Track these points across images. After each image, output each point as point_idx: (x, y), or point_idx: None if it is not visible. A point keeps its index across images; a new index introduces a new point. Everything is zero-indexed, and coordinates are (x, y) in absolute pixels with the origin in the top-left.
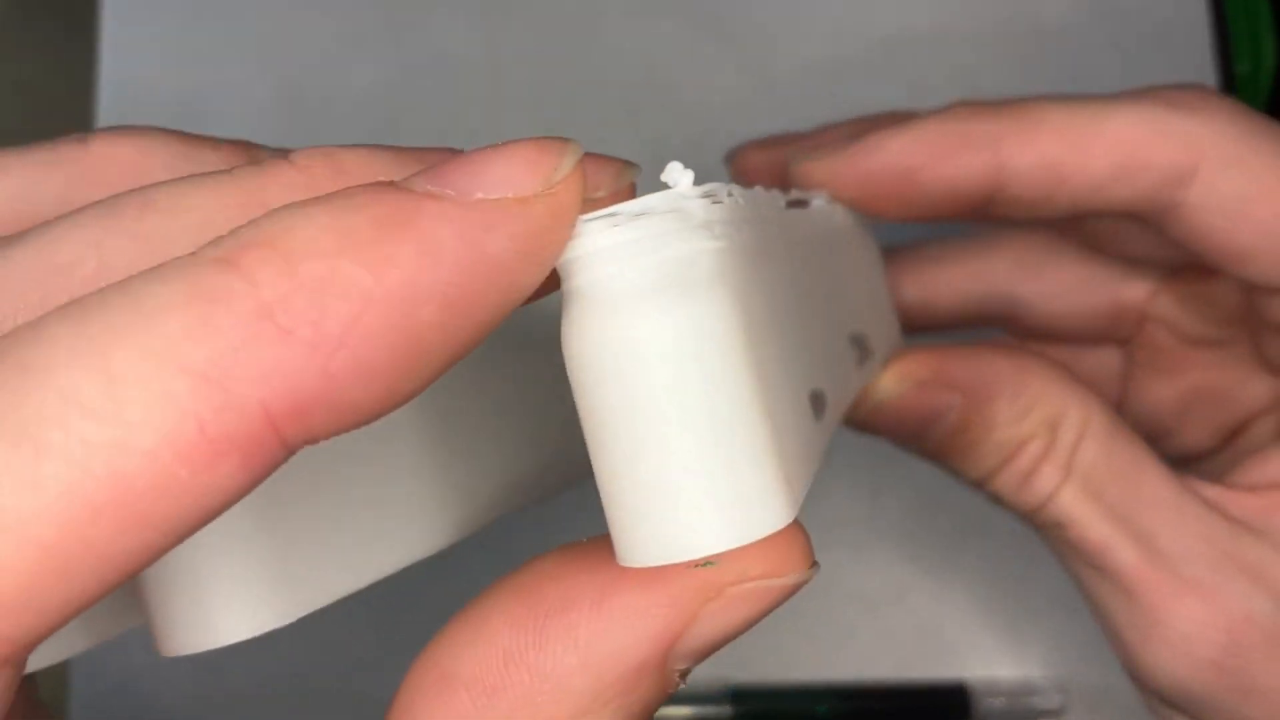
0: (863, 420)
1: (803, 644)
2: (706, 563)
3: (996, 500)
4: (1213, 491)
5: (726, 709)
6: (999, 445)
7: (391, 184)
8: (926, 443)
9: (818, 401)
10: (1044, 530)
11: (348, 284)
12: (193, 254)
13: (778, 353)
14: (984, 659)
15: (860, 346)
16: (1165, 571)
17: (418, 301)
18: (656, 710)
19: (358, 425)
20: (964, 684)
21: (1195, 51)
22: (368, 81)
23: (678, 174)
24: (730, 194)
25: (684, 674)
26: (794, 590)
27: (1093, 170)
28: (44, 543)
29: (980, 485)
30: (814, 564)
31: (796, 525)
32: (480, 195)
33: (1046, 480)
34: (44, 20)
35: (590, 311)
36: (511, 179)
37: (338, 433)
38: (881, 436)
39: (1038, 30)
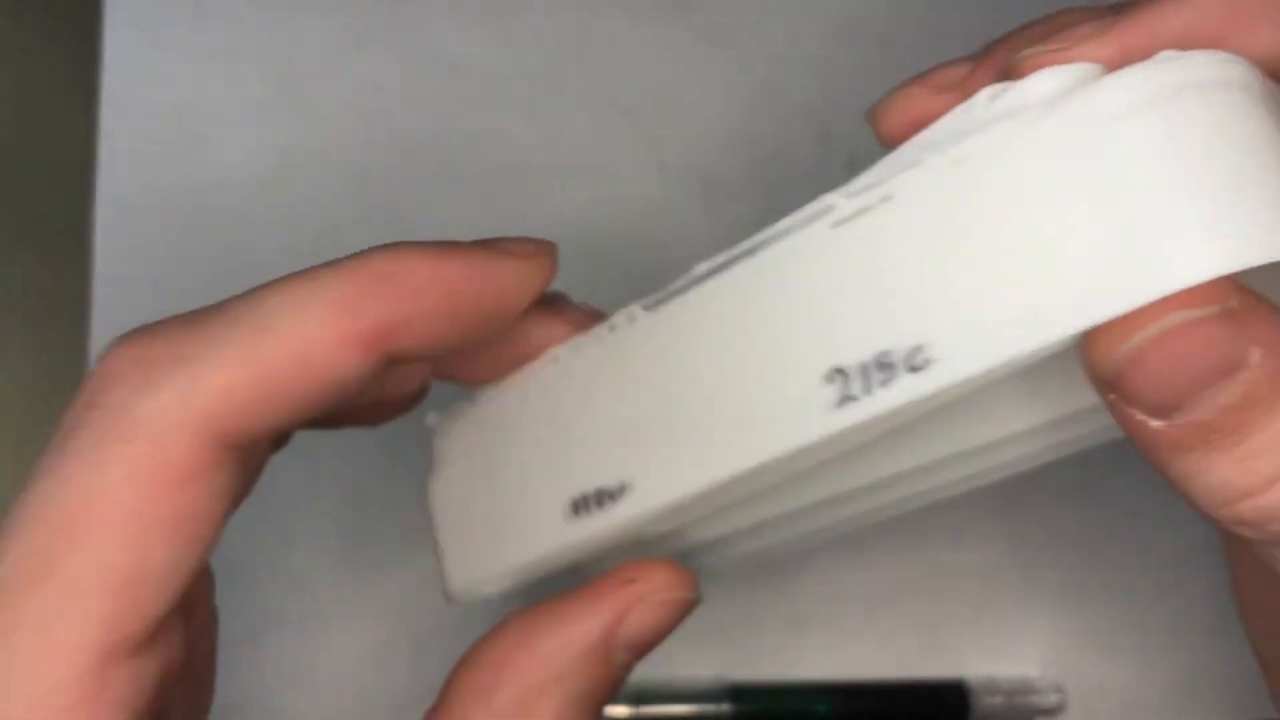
0: (1103, 382)
1: (802, 642)
2: (630, 580)
3: (1246, 530)
4: None
5: (726, 708)
6: None
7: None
8: (1181, 416)
9: (583, 502)
10: None
11: (422, 269)
12: None
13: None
14: (982, 657)
15: (857, 374)
16: None
17: (460, 291)
18: (607, 695)
19: (419, 353)
20: (963, 682)
21: None
22: (369, 84)
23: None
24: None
25: (625, 667)
26: (688, 605)
27: None
28: (264, 364)
29: (1233, 502)
30: (698, 593)
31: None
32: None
33: None
34: (46, 22)
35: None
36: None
37: (405, 355)
38: (1116, 403)
39: None
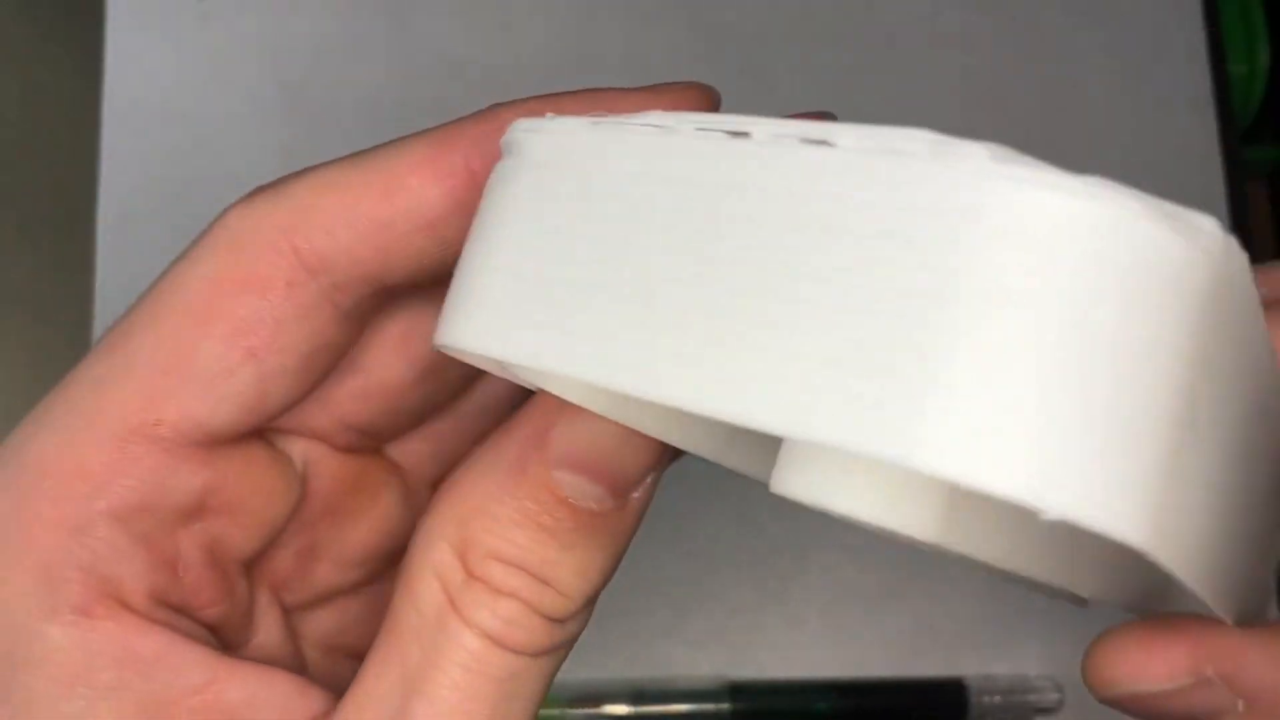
0: (1110, 701)
1: (802, 641)
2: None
3: None
4: None
5: (725, 706)
6: None
7: None
8: None
9: None
10: None
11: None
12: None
13: None
14: (981, 656)
15: None
16: None
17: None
18: (557, 526)
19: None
20: (961, 680)
21: (1190, 53)
22: (370, 83)
23: None
24: None
25: (580, 493)
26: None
27: None
28: (349, 188)
29: None
30: None
31: None
32: None
33: None
34: (49, 25)
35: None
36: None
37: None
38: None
39: (1032, 32)
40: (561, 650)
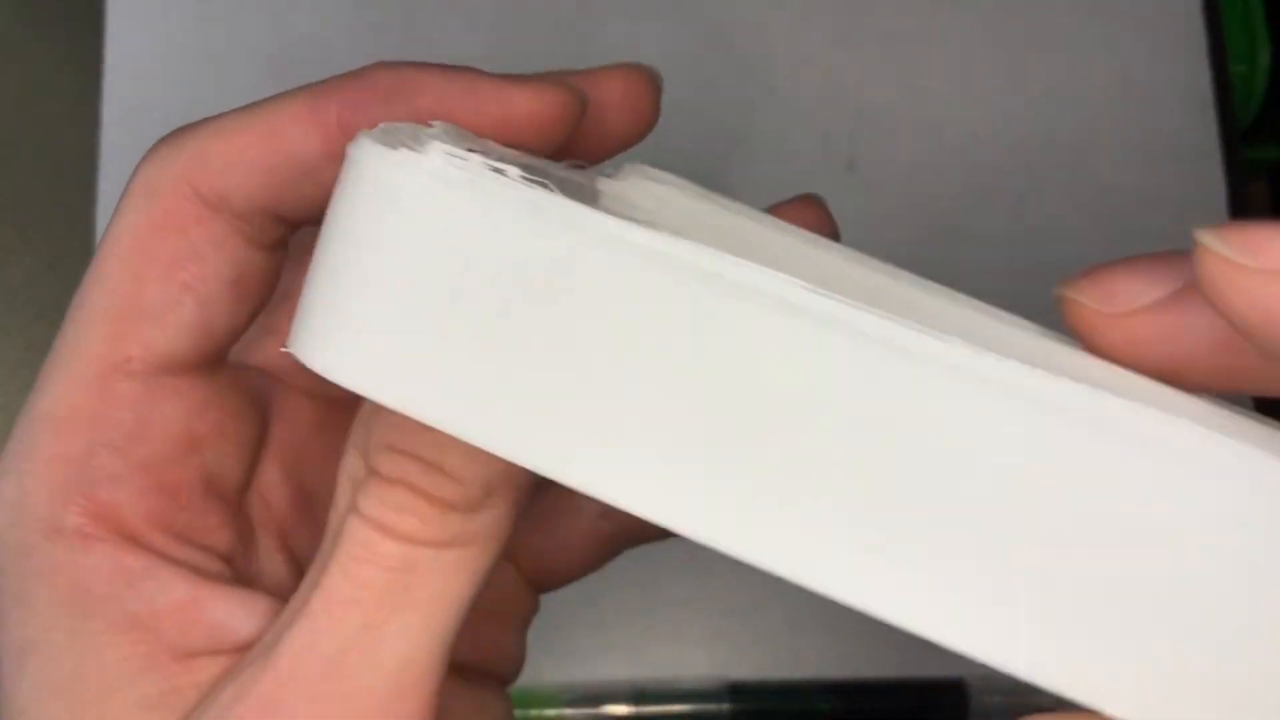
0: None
1: (801, 641)
2: None
3: None
4: None
5: (725, 706)
6: None
7: None
8: None
9: None
10: None
11: (407, 77)
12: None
13: None
14: None
15: None
16: None
17: None
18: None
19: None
20: (962, 680)
21: (1190, 53)
22: None
23: None
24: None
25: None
26: None
27: None
28: (238, 135)
29: None
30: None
31: None
32: None
33: None
34: (49, 25)
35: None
36: None
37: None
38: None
39: (1032, 32)
40: (473, 545)
